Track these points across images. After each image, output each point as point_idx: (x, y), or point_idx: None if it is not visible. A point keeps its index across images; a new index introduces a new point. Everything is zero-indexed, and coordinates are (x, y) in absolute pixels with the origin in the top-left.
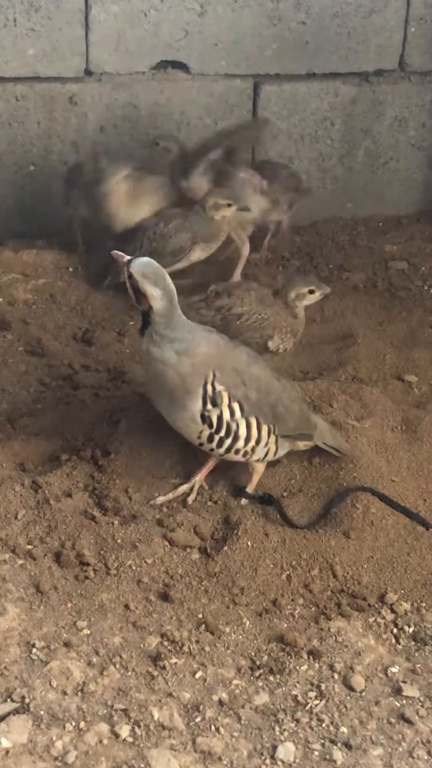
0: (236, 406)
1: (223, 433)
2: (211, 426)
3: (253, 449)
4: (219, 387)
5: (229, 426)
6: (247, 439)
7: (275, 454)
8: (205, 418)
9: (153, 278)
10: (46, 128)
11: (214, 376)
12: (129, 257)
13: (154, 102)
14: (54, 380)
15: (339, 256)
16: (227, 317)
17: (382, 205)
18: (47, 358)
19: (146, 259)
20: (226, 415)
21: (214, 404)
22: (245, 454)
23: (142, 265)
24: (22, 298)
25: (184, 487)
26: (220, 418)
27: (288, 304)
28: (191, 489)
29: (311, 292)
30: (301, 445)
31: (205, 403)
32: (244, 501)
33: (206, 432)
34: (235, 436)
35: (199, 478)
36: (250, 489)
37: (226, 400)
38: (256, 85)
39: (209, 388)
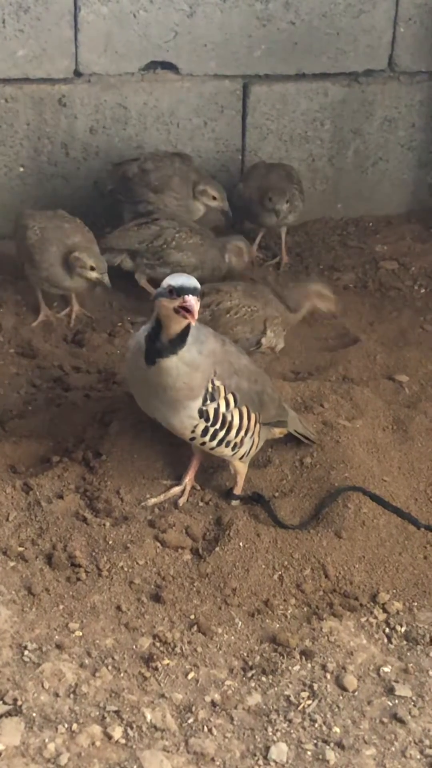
0: (231, 398)
1: (218, 425)
2: (207, 420)
3: (241, 440)
4: (217, 382)
5: (224, 417)
6: (239, 429)
7: (258, 446)
8: (202, 413)
9: (200, 294)
10: (35, 129)
11: (215, 372)
12: (171, 284)
13: (143, 103)
14: (45, 382)
15: (329, 256)
16: (216, 312)
17: (372, 205)
18: (38, 360)
19: (184, 276)
20: (222, 408)
21: (212, 399)
22: (234, 446)
23: (191, 286)
24: (13, 299)
25: (176, 489)
26: (216, 410)
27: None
28: (183, 491)
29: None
30: (277, 432)
31: (204, 400)
32: (234, 502)
33: (201, 426)
34: (229, 426)
35: (189, 479)
36: (237, 491)
37: (222, 393)
38: (245, 85)
39: (209, 384)
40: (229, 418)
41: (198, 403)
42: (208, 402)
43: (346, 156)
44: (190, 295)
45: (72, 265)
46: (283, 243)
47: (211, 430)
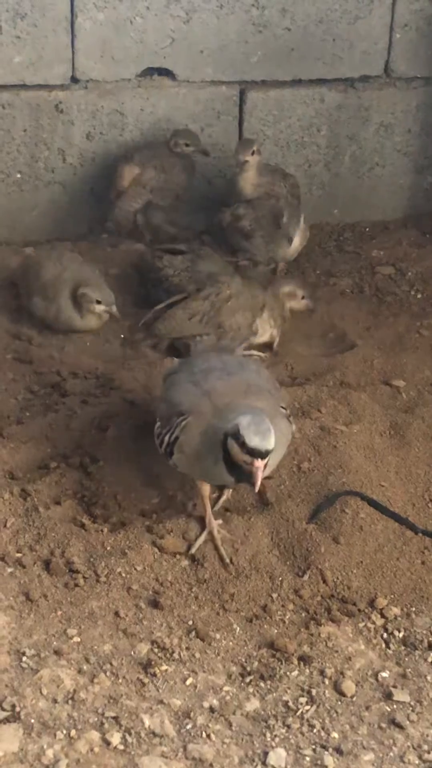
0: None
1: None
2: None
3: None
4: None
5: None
6: None
7: None
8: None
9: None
10: (32, 136)
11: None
12: (245, 440)
13: (140, 109)
14: (42, 388)
15: (326, 261)
16: (216, 303)
17: (369, 210)
18: (35, 365)
19: (261, 433)
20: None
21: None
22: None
23: (263, 449)
24: (10, 305)
25: (202, 538)
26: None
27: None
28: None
29: (303, 297)
30: None
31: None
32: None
33: None
34: None
35: (210, 521)
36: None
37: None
38: (242, 91)
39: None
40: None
41: None
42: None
43: (342, 161)
44: (259, 459)
45: (80, 303)
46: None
47: None
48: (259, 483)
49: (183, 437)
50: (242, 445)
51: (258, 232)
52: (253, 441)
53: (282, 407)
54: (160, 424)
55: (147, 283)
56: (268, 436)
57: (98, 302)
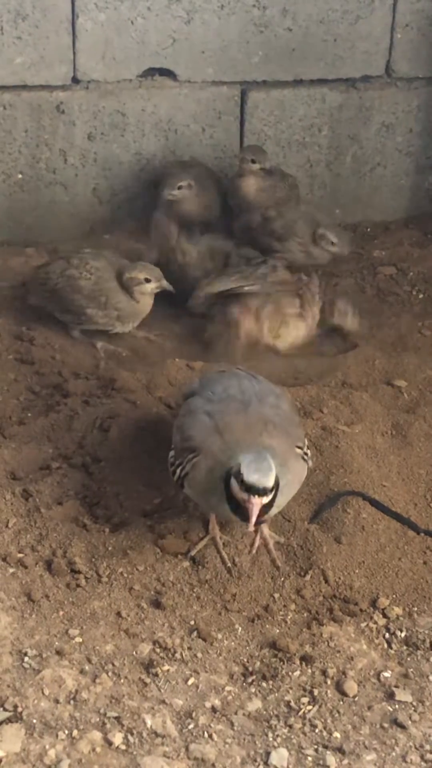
0: None
1: None
2: None
3: None
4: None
5: None
6: None
7: None
8: None
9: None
10: (33, 136)
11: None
12: (244, 476)
13: (141, 109)
14: (44, 388)
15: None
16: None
17: (370, 210)
18: (36, 366)
19: (262, 471)
20: None
21: None
22: None
23: (261, 486)
24: (11, 306)
25: (203, 542)
26: None
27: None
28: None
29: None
30: None
31: None
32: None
33: None
34: None
35: (213, 527)
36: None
37: None
38: (243, 91)
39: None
40: None
41: None
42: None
43: (344, 162)
44: (255, 497)
45: (129, 288)
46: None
47: None
48: (253, 520)
49: (192, 474)
50: (241, 482)
51: (293, 237)
52: (251, 477)
53: (298, 446)
54: (174, 455)
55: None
56: (268, 474)
57: (147, 281)
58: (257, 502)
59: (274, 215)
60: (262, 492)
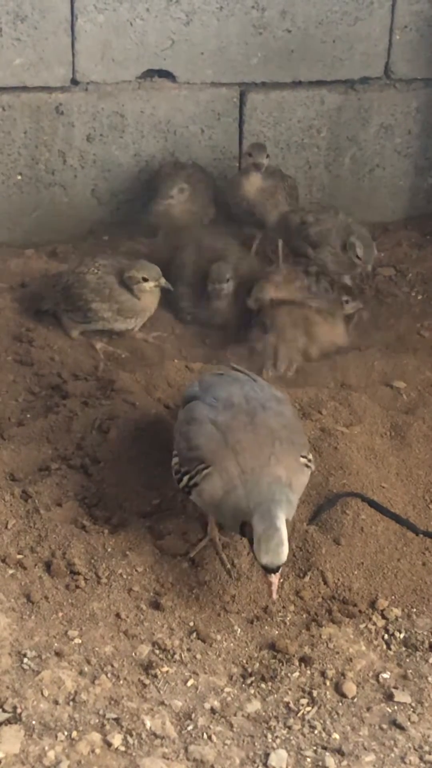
0: None
1: None
2: None
3: None
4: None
5: None
6: None
7: None
8: None
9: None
10: (32, 138)
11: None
12: (261, 557)
13: (140, 111)
14: (43, 389)
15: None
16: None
17: (369, 212)
18: (36, 367)
19: (276, 551)
20: None
21: None
22: None
23: (275, 566)
24: (10, 307)
25: (202, 543)
26: None
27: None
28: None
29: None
30: None
31: None
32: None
33: None
34: None
35: (212, 529)
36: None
37: None
38: (242, 93)
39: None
40: None
41: None
42: None
43: (342, 163)
44: (273, 575)
45: (130, 286)
46: (279, 251)
47: None
48: (275, 593)
49: (203, 486)
50: (254, 552)
51: (326, 246)
52: (264, 559)
53: (302, 455)
54: (179, 461)
55: None
56: (279, 552)
57: (145, 279)
58: (275, 579)
59: (312, 221)
60: (276, 570)
